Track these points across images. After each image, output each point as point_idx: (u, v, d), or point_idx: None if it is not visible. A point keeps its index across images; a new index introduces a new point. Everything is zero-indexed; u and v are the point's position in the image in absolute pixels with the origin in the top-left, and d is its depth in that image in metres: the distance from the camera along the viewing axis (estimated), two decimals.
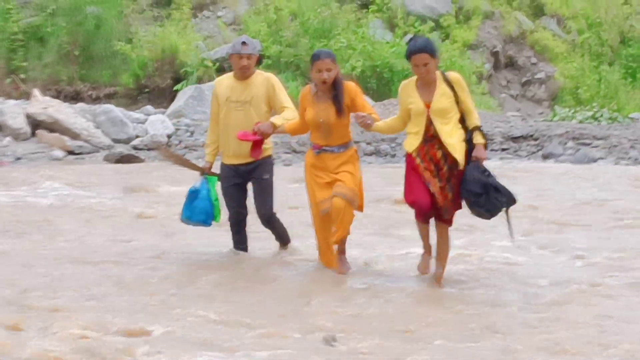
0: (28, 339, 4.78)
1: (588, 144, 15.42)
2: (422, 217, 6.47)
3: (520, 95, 20.74)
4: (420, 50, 6.24)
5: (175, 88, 17.63)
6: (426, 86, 6.35)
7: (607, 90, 20.15)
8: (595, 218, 9.36)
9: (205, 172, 7.26)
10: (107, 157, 13.93)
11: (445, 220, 6.47)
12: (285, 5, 19.10)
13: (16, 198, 10.62)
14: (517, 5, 21.64)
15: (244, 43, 7.08)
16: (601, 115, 17.95)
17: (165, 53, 17.92)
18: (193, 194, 7.22)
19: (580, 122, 17.56)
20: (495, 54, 20.58)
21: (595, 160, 14.53)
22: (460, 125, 6.40)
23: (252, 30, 18.49)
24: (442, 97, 6.30)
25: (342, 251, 6.91)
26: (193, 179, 7.49)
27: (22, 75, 18.22)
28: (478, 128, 6.37)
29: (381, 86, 17.11)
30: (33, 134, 15.01)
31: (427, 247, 6.59)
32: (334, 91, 6.55)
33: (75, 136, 14.76)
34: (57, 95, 17.29)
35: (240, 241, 7.30)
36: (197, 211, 7.22)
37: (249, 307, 5.82)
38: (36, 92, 16.08)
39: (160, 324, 5.15)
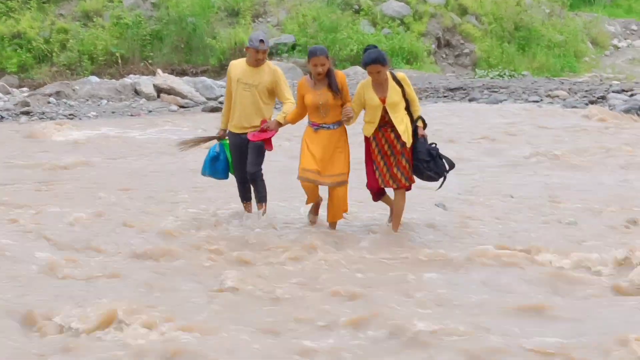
0: None
1: (496, 91, 16.94)
2: (374, 198, 6.71)
3: (454, 63, 22.26)
4: (373, 62, 6.11)
5: None
6: (379, 85, 6.22)
7: (507, 58, 22.24)
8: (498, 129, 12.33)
9: (221, 138, 6.94)
10: (203, 109, 16.20)
11: (400, 188, 6.39)
12: (309, 12, 21.37)
13: (149, 134, 13.10)
14: (451, 8, 22.95)
15: (261, 41, 6.51)
16: (504, 74, 20.17)
17: (236, 44, 20.09)
18: (214, 157, 7.02)
19: (492, 78, 19.58)
20: (438, 39, 22.18)
21: (501, 101, 16.01)
22: (406, 112, 6.29)
23: (288, 29, 20.92)
24: (393, 93, 6.19)
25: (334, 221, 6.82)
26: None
27: (150, 61, 20.27)
28: (420, 117, 6.36)
29: None
30: (158, 96, 17.06)
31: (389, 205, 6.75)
32: (328, 79, 6.30)
33: (183, 97, 16.79)
34: (172, 72, 19.23)
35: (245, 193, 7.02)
36: (219, 170, 7.12)
37: None
38: (159, 71, 18.71)
39: None
